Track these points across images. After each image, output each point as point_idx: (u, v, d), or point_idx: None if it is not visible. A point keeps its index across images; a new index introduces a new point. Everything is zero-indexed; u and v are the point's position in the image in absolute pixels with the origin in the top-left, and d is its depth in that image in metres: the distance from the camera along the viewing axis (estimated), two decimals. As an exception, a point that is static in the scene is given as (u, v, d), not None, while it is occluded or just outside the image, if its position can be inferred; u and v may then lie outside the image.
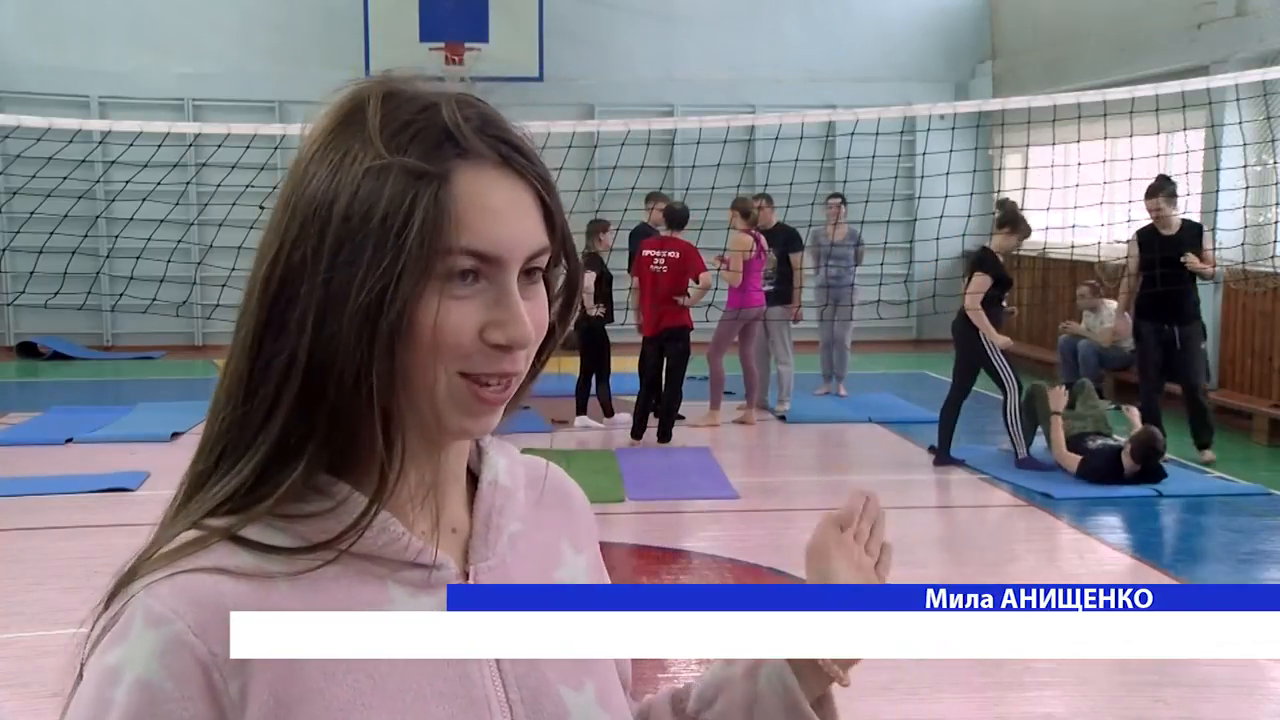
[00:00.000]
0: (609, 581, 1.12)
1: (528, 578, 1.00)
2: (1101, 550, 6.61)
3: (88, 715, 0.83)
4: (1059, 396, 7.99)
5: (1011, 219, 8.23)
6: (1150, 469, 7.58)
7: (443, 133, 0.88)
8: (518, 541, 1.01)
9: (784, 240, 10.18)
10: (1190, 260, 8.15)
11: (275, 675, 0.85)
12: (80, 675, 0.87)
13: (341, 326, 0.85)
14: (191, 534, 0.88)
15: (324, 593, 0.88)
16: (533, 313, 0.91)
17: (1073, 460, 7.76)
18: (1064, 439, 7.87)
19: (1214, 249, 8.60)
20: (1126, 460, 7.56)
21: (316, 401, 0.87)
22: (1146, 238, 8.41)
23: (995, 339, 8.06)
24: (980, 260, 8.22)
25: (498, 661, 0.94)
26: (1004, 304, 8.36)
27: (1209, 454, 8.31)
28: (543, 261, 0.92)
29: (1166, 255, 8.20)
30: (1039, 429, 8.21)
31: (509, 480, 1.02)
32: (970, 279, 8.17)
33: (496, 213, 0.88)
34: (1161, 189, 8.27)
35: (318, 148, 0.89)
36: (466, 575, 0.96)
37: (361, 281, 0.85)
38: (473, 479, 1.01)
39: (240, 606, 0.85)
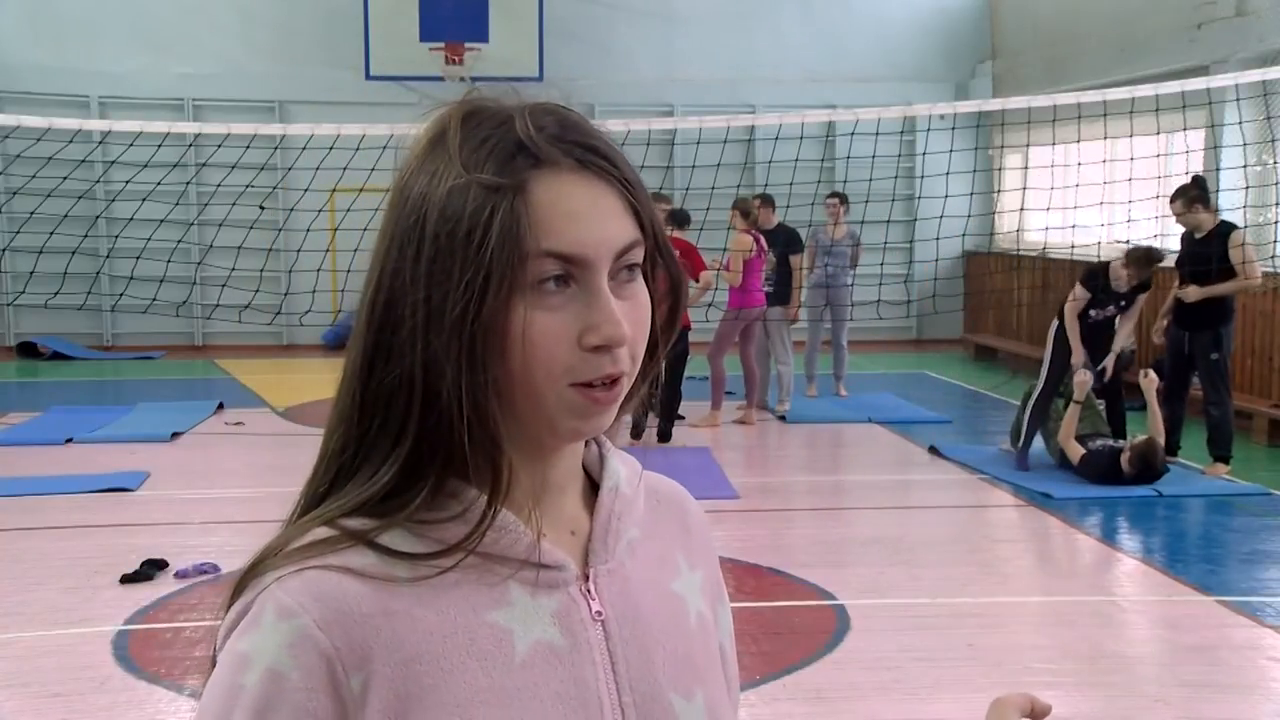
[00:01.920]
0: (727, 599, 1.14)
1: (645, 584, 1.02)
2: (1101, 550, 6.61)
3: (222, 699, 0.88)
4: (1083, 384, 7.81)
5: (1136, 258, 8.06)
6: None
7: (516, 145, 0.91)
8: (636, 548, 1.03)
9: (784, 241, 10.19)
10: (1187, 291, 8.01)
11: (395, 671, 0.88)
12: (214, 661, 0.92)
13: (441, 344, 0.88)
14: (324, 532, 0.91)
15: (444, 598, 0.91)
16: (631, 312, 0.92)
17: (1076, 450, 7.72)
18: (1073, 431, 7.82)
19: (1256, 247, 8.20)
20: (1125, 465, 7.55)
21: (437, 417, 0.90)
22: (1183, 239, 8.29)
23: (1076, 356, 8.10)
24: (1084, 273, 8.38)
25: (613, 664, 0.96)
26: (1091, 314, 8.25)
27: (1220, 468, 8.01)
28: (637, 256, 0.93)
29: (1192, 258, 8.02)
30: (1025, 429, 8.18)
31: (629, 489, 1.04)
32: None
33: (576, 215, 0.90)
34: (1180, 194, 8.10)
35: (410, 174, 0.93)
36: (586, 577, 0.98)
37: (452, 297, 0.88)
38: (593, 486, 1.03)
39: (361, 607, 0.88)
